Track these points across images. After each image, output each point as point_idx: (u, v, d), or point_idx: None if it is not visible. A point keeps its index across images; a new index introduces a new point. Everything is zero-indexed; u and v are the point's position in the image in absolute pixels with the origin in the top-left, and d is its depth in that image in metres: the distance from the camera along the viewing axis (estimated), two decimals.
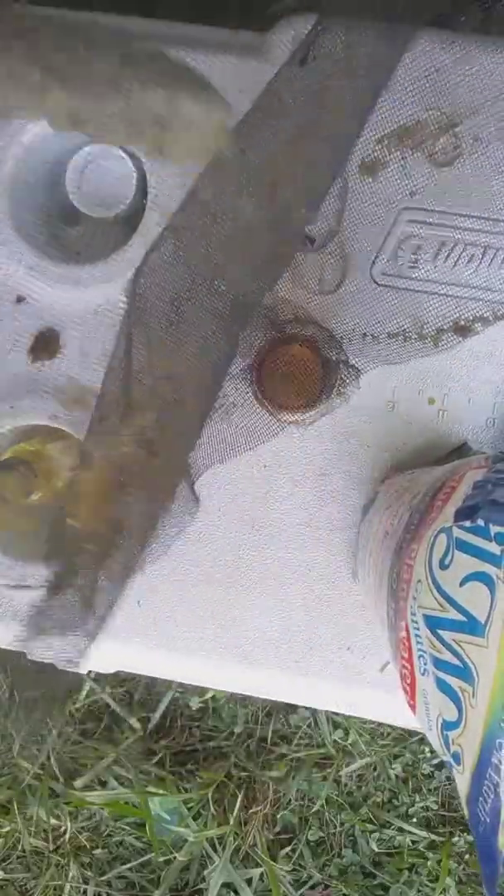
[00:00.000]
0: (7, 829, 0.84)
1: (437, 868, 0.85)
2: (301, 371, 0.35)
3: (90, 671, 0.43)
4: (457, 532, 0.23)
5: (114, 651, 0.39)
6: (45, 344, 0.39)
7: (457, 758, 0.22)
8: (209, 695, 0.85)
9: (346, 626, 0.38)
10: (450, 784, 0.86)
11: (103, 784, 0.83)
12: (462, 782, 0.21)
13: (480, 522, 0.22)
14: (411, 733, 0.85)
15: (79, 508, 0.24)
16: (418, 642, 0.24)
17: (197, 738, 0.86)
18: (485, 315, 0.38)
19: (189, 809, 0.83)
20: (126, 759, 0.82)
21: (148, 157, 0.31)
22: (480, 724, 0.20)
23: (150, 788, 0.82)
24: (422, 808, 0.87)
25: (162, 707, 0.84)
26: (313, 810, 0.85)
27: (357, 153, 0.37)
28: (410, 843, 0.86)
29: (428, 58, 0.37)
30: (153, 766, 0.83)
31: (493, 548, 0.22)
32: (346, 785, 0.86)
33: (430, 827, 0.87)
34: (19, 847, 0.85)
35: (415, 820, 0.87)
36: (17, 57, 0.23)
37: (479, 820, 0.20)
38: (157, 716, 0.84)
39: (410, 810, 0.87)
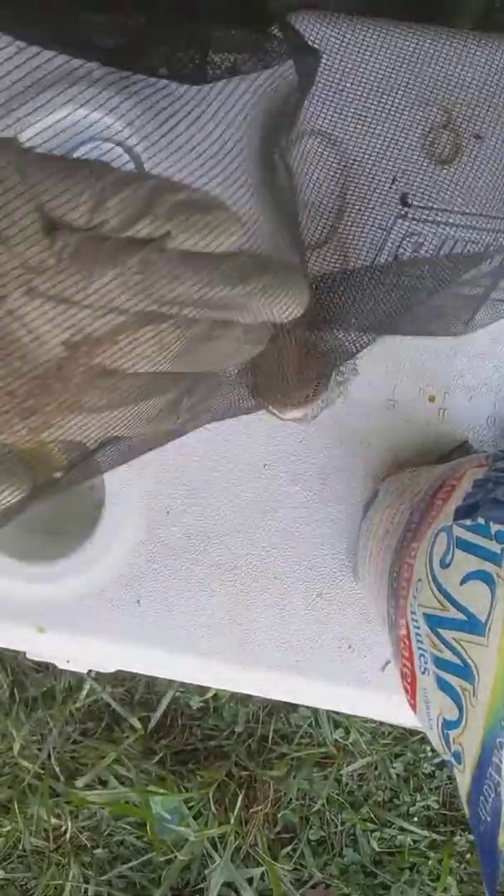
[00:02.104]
0: (8, 828, 0.84)
1: (438, 867, 0.85)
2: (295, 365, 0.35)
3: (90, 671, 0.43)
4: (457, 530, 0.23)
5: (114, 650, 0.39)
6: None
7: (457, 757, 0.21)
8: (210, 694, 0.85)
9: (346, 625, 0.38)
10: (451, 783, 0.86)
11: (104, 783, 0.83)
12: (463, 781, 0.21)
13: (481, 521, 0.22)
14: (412, 732, 0.85)
15: None
16: (419, 641, 0.24)
17: (198, 738, 0.86)
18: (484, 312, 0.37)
19: (190, 809, 0.83)
20: (127, 758, 0.82)
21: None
22: (481, 722, 0.20)
23: (151, 788, 0.82)
24: (423, 807, 0.87)
25: (162, 706, 0.84)
26: (314, 809, 0.85)
27: (357, 151, 0.37)
28: (411, 843, 0.86)
29: (428, 54, 0.37)
30: (154, 766, 0.83)
31: (494, 546, 0.22)
32: (347, 784, 0.86)
33: (431, 826, 0.87)
34: (20, 846, 0.85)
35: (416, 819, 0.86)
36: None
37: (479, 819, 0.20)
38: (157, 715, 0.84)
39: (411, 809, 0.87)
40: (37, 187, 0.18)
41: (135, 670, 0.41)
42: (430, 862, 0.85)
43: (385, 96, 0.37)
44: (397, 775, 0.87)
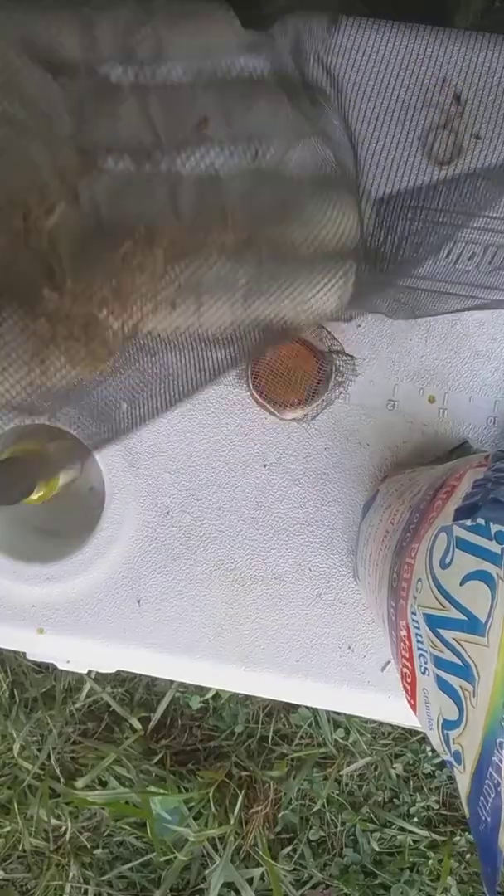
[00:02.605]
0: (8, 829, 0.84)
1: (438, 867, 0.85)
2: (297, 366, 0.35)
3: (90, 671, 0.43)
4: (457, 531, 0.23)
5: (114, 650, 0.39)
6: None
7: (457, 757, 0.21)
8: (210, 694, 0.85)
9: (346, 626, 0.38)
10: (451, 783, 0.86)
11: (104, 784, 0.83)
12: (463, 781, 0.21)
13: (481, 521, 0.22)
14: (412, 732, 0.85)
15: None
16: (419, 641, 0.24)
17: (197, 738, 0.86)
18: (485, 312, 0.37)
19: (190, 809, 0.83)
20: (127, 758, 0.82)
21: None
22: (481, 723, 0.20)
23: (151, 788, 0.82)
24: (423, 807, 0.87)
25: (162, 707, 0.84)
26: (314, 810, 0.85)
27: (358, 150, 0.37)
28: (411, 843, 0.86)
29: (428, 54, 0.37)
30: (154, 766, 0.83)
31: (494, 546, 0.22)
32: (346, 784, 0.86)
33: (431, 826, 0.87)
34: (20, 847, 0.85)
35: (416, 819, 0.86)
36: None
37: (479, 819, 0.20)
38: (157, 715, 0.84)
39: (411, 809, 0.86)
40: (17, 21, 0.17)
41: (135, 670, 0.41)
42: (430, 862, 0.85)
43: (385, 96, 0.37)
44: (397, 775, 0.86)
